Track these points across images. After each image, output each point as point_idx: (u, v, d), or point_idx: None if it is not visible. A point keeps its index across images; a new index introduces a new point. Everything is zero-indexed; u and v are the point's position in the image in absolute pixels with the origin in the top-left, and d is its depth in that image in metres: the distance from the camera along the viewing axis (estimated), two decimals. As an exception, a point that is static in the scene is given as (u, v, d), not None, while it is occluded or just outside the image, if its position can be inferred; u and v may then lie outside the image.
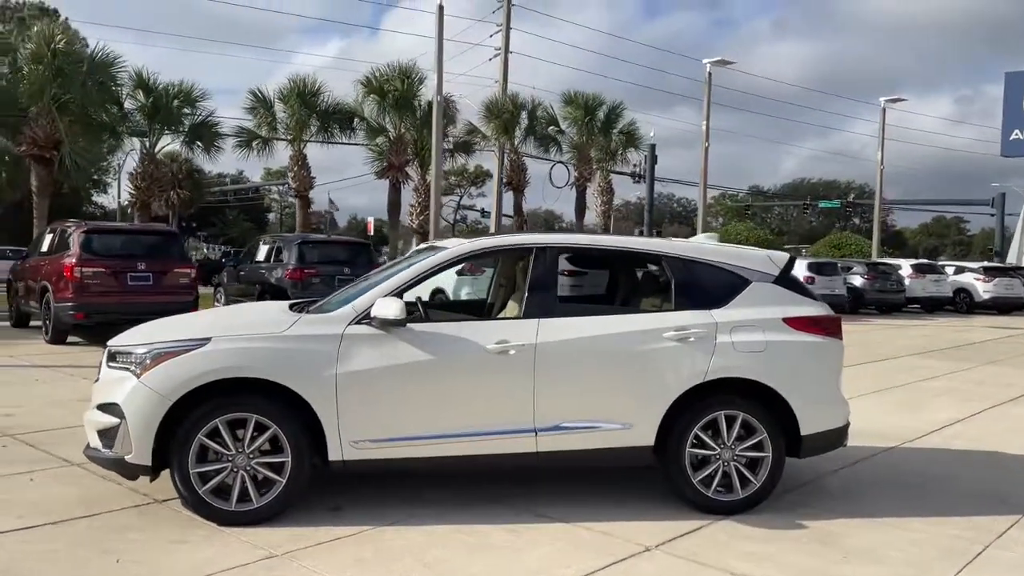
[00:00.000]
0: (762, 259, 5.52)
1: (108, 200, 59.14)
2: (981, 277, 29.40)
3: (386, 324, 4.80)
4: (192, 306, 13.09)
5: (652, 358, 5.07)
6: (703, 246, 5.57)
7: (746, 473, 5.16)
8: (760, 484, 5.16)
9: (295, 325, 4.86)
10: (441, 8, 20.47)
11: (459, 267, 14.51)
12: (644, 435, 5.05)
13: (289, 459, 4.73)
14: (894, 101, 34.52)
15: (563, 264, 5.95)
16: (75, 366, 10.17)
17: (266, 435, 4.73)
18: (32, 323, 14.75)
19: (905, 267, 28.58)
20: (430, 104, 22.60)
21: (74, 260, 12.27)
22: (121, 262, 12.62)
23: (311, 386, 4.72)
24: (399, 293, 5.01)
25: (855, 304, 25.92)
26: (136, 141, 23.78)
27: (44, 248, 13.82)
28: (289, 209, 27.38)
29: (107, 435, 4.78)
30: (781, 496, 5.42)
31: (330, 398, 4.73)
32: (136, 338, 5.01)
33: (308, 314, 5.08)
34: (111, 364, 4.94)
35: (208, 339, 4.73)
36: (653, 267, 5.77)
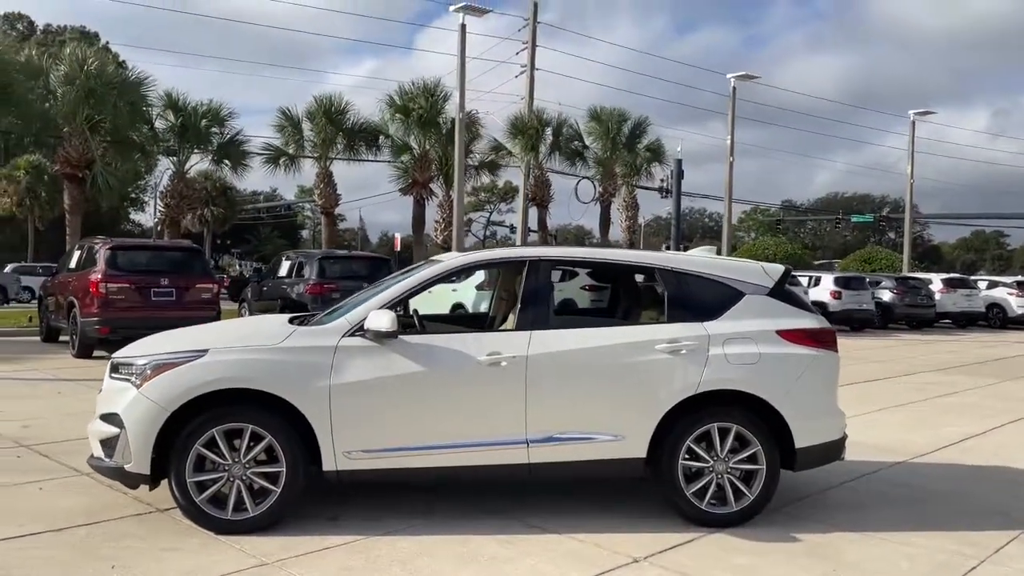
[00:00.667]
0: (756, 271, 5.52)
1: (145, 218, 60.41)
2: (1015, 292, 28.84)
3: (379, 336, 4.89)
4: (215, 320, 13.32)
5: (644, 370, 5.09)
6: (696, 258, 5.59)
7: (740, 486, 5.15)
8: (754, 497, 5.14)
9: (291, 337, 4.96)
10: (463, 27, 20.70)
11: (479, 283, 14.77)
12: (636, 447, 5.06)
13: (284, 469, 4.82)
14: (924, 114, 34.11)
15: (557, 277, 5.99)
16: (98, 379, 10.32)
17: (261, 445, 4.82)
18: (61, 338, 15.11)
19: (936, 281, 28.14)
20: (454, 121, 22.82)
21: (100, 276, 12.58)
22: (145, 278, 12.91)
23: (305, 397, 4.81)
24: (393, 305, 5.10)
25: (884, 319, 25.56)
26: (171, 161, 24.30)
27: (72, 264, 14.18)
28: (322, 227, 27.87)
29: (108, 444, 4.91)
30: (779, 509, 5.39)
31: (324, 409, 4.81)
32: (138, 350, 5.15)
33: (305, 326, 5.18)
34: (113, 375, 5.08)
35: (205, 351, 4.85)
36: (646, 279, 5.80)
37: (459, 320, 7.44)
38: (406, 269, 6.06)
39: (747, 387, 5.15)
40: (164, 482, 4.87)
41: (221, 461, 4.80)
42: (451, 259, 5.43)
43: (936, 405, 10.54)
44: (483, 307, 15.56)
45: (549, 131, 29.22)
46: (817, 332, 5.39)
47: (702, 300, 5.33)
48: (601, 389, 5.07)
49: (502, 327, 6.09)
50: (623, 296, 6.17)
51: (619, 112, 29.58)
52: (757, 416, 5.17)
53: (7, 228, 51.09)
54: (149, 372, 4.82)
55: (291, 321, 5.50)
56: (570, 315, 6.21)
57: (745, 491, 5.15)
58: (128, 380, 4.91)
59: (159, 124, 22.99)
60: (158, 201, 25.38)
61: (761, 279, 5.47)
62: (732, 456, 5.15)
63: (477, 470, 5.01)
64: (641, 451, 5.07)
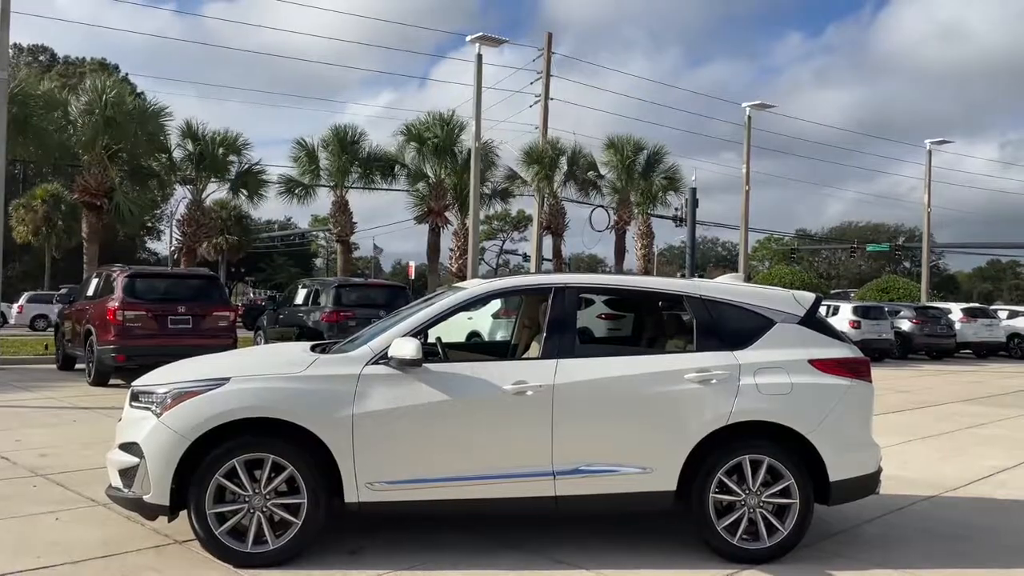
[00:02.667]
0: (787, 299, 5.41)
1: (161, 247, 60.78)
2: (1036, 321, 28.46)
3: (403, 364, 4.80)
4: (232, 348, 13.26)
5: (673, 400, 4.97)
6: (726, 286, 5.48)
7: (773, 520, 5.00)
8: (788, 532, 4.98)
9: (313, 365, 4.88)
10: (479, 57, 20.82)
11: (495, 311, 14.67)
12: (665, 480, 4.93)
13: (305, 500, 4.71)
14: (940, 143, 34.01)
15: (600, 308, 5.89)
16: (114, 408, 10.34)
17: (283, 476, 4.72)
18: (77, 366, 15.09)
19: (956, 311, 27.84)
20: (469, 150, 22.90)
21: (117, 303, 12.56)
22: (162, 305, 12.88)
23: (327, 426, 4.72)
24: (416, 333, 5.01)
25: (903, 349, 25.26)
26: (187, 189, 24.50)
27: (90, 292, 14.19)
28: (335, 255, 27.90)
29: (127, 475, 4.81)
30: (811, 545, 5.22)
31: (346, 439, 4.71)
32: (158, 378, 5.07)
33: (327, 354, 5.10)
34: (133, 404, 5.00)
35: (227, 379, 4.77)
36: (675, 308, 5.70)
37: (480, 348, 7.34)
38: (427, 296, 5.99)
39: (779, 418, 5.02)
40: (183, 513, 4.77)
41: (241, 492, 4.70)
42: (475, 286, 5.35)
43: (964, 437, 10.32)
44: (499, 336, 15.50)
45: (564, 160, 29.28)
46: (851, 362, 5.26)
47: (732, 328, 5.22)
48: (629, 420, 4.95)
49: (525, 355, 5.99)
50: (649, 324, 6.06)
51: (635, 141, 29.64)
52: (790, 448, 5.04)
53: (25, 256, 51.58)
54: (170, 401, 4.74)
55: (313, 348, 5.42)
56: (595, 344, 6.08)
57: (778, 526, 4.99)
58: (148, 408, 4.83)
59: (177, 153, 23.21)
60: (174, 229, 25.50)
61: (792, 307, 5.36)
62: (764, 490, 5.01)
63: (502, 503, 4.89)
64: (671, 484, 4.94)
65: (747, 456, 4.99)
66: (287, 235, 71.47)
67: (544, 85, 30.76)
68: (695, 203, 31.85)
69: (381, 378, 4.83)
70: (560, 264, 30.94)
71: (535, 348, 5.74)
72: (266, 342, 16.75)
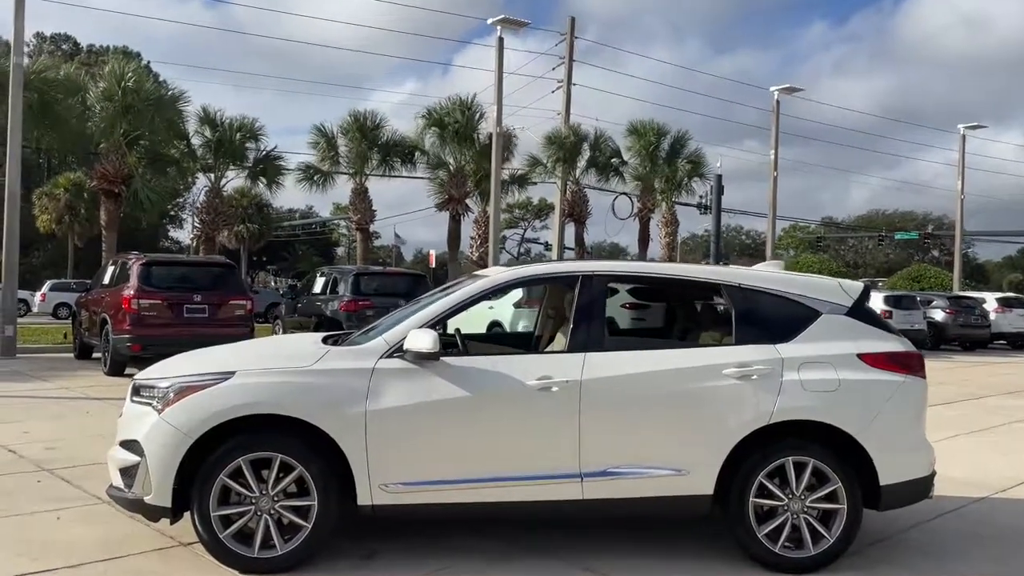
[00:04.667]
0: (833, 289, 5.02)
1: (183, 235, 61.05)
2: (1074, 312, 27.65)
3: (419, 358, 4.47)
4: (247, 338, 13.03)
5: (711, 397, 4.61)
6: (767, 274, 5.09)
7: (818, 527, 4.63)
8: (834, 539, 4.61)
9: (324, 359, 4.56)
10: (501, 40, 20.42)
11: (516, 300, 14.30)
12: (702, 483, 4.58)
13: (315, 503, 4.41)
14: (974, 128, 33.15)
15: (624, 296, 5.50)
16: (128, 398, 10.12)
17: (291, 476, 4.42)
18: (94, 355, 14.94)
19: (990, 301, 27.11)
20: (490, 136, 22.51)
21: (132, 292, 12.35)
22: (178, 294, 12.67)
23: (339, 424, 4.41)
24: (434, 324, 4.68)
25: (937, 340, 24.62)
26: (206, 176, 24.31)
27: (106, 280, 14.02)
28: (356, 243, 27.65)
29: (128, 474, 4.53)
30: (857, 552, 4.85)
31: (359, 437, 4.40)
32: (160, 372, 4.78)
33: (339, 347, 4.78)
34: (135, 399, 4.71)
35: (232, 373, 4.46)
36: (712, 297, 5.32)
37: (501, 340, 6.99)
38: (447, 285, 5.65)
39: (826, 417, 4.64)
40: (188, 514, 4.48)
41: (248, 493, 4.40)
42: (497, 274, 5.00)
43: (1012, 432, 9.85)
44: (521, 326, 15.15)
45: (586, 146, 28.79)
46: (903, 356, 4.86)
47: (774, 320, 4.84)
48: (663, 418, 4.60)
49: (550, 348, 5.65)
50: (683, 315, 5.68)
51: (658, 126, 29.08)
52: (837, 449, 4.66)
53: (49, 245, 51.86)
54: (172, 396, 4.45)
55: (325, 340, 5.11)
56: (626, 336, 5.71)
57: (824, 533, 4.63)
58: (149, 404, 4.54)
59: (195, 140, 23.01)
60: (194, 218, 25.37)
61: (839, 297, 4.96)
62: (809, 494, 4.64)
63: (525, 506, 4.55)
64: (708, 487, 4.58)
65: (790, 458, 4.62)
66: (308, 224, 71.49)
67: (567, 70, 30.30)
68: (720, 190, 31.29)
69: (396, 372, 4.50)
70: (583, 252, 30.52)
71: (560, 340, 5.39)
72: (284, 332, 16.54)
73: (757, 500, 4.60)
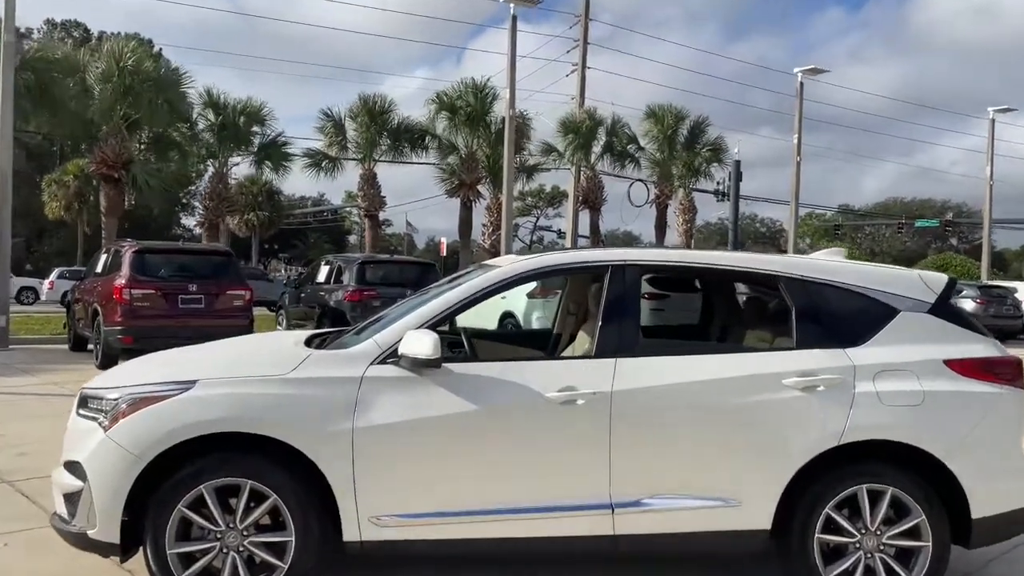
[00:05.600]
0: (912, 282, 4.21)
1: (195, 222, 60.48)
2: (1109, 301, 26.60)
3: (417, 364, 3.70)
4: (247, 331, 12.35)
5: (768, 413, 3.83)
6: (834, 264, 4.29)
7: (896, 568, 3.86)
8: (916, 583, 3.84)
9: (303, 365, 3.80)
10: (514, 19, 19.56)
11: (530, 290, 13.48)
12: (757, 515, 3.81)
13: (293, 538, 3.68)
14: (1004, 112, 31.96)
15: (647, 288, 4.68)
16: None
17: (264, 507, 3.69)
18: (90, 347, 14.27)
19: (1021, 290, 26.11)
20: (503, 120, 21.69)
21: (123, 281, 11.66)
22: (173, 284, 11.97)
23: (321, 444, 3.66)
24: (436, 324, 3.91)
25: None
26: (211, 162, 23.59)
27: (99, 269, 13.35)
28: (365, 231, 27.02)
29: (71, 501, 3.81)
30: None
31: (345, 460, 3.66)
32: (111, 380, 4.04)
33: (323, 350, 4.03)
34: (81, 411, 3.98)
35: (194, 382, 3.72)
36: (767, 291, 4.52)
37: (514, 339, 6.20)
38: (453, 276, 4.88)
39: (908, 436, 3.86)
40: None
41: (212, 527, 3.67)
42: (510, 265, 4.21)
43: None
44: (535, 318, 14.33)
45: (602, 131, 27.90)
46: (999, 363, 4.06)
47: (844, 319, 4.04)
48: (711, 438, 3.82)
49: (571, 351, 4.87)
50: (733, 313, 4.89)
51: (677, 110, 28.12)
52: (920, 475, 3.88)
53: (61, 232, 51.43)
54: (123, 408, 3.71)
55: (309, 342, 4.35)
56: (664, 338, 4.91)
57: (903, 574, 3.84)
58: (95, 419, 3.80)
59: (198, 123, 22.25)
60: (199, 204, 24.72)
61: (919, 291, 4.16)
62: (886, 528, 3.87)
63: (544, 543, 3.80)
64: (764, 521, 3.81)
65: (864, 485, 3.86)
66: (319, 211, 70.90)
67: (581, 53, 29.40)
68: (739, 176, 30.38)
69: (389, 382, 3.75)
70: (597, 240, 29.67)
71: (583, 341, 4.63)
72: (287, 322, 15.83)
73: (823, 536, 3.84)
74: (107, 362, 12.03)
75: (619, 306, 4.01)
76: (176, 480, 3.64)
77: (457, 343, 4.65)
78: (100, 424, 3.74)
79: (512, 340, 5.85)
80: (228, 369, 3.88)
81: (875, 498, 3.85)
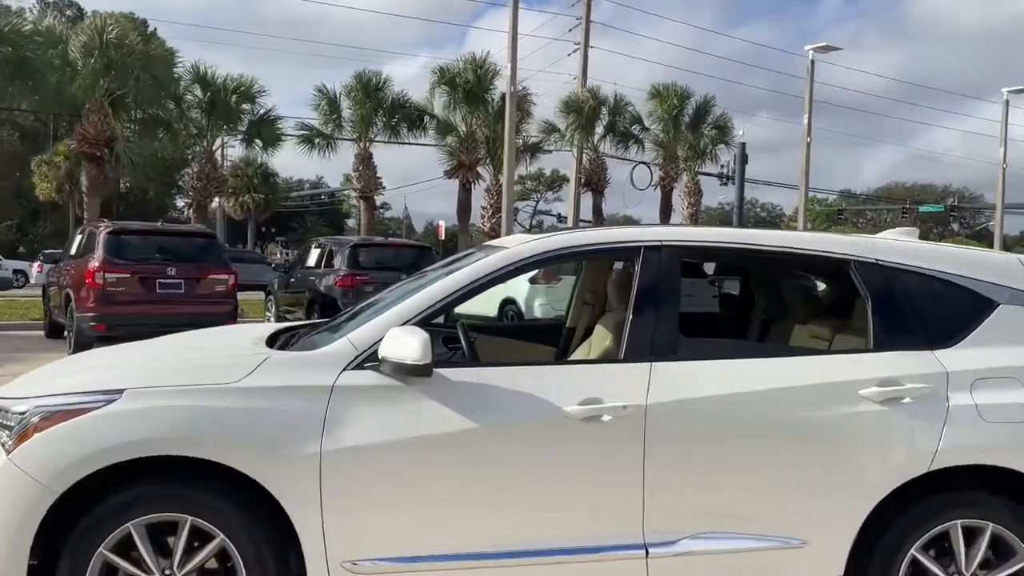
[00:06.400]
0: (1012, 267, 3.44)
1: (184, 203, 59.49)
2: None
3: (402, 371, 2.93)
4: (230, 317, 11.60)
5: (841, 431, 3.08)
6: (915, 246, 3.52)
7: (997, 622, 3.11)
8: (1021, 642, 3.09)
9: (259, 370, 3.03)
10: (516, -13, 18.63)
11: (532, 274, 12.67)
12: (827, 558, 3.07)
13: (245, 587, 2.92)
14: (1018, 92, 31.02)
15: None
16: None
17: (209, 549, 2.94)
18: (66, 333, 13.51)
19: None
20: (503, 98, 20.81)
21: (96, 264, 10.86)
22: (149, 267, 11.17)
23: (280, 471, 2.91)
24: (426, 319, 3.14)
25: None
26: (201, 141, 22.70)
27: (73, 251, 12.56)
28: (360, 213, 26.19)
29: (-29, 538, 3.03)
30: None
31: (311, 491, 2.90)
32: (22, 388, 3.26)
33: (286, 352, 3.26)
34: (-16, 427, 3.20)
35: (121, 391, 2.94)
36: (835, 279, 3.74)
37: (519, 333, 5.37)
38: (450, 260, 4.10)
39: (1013, 461, 3.11)
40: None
41: (142, 574, 2.91)
42: (519, 246, 3.40)
43: None
44: (538, 306, 13.51)
45: (605, 110, 27.00)
46: (1125, 369, 3.28)
47: (931, 314, 3.28)
48: (770, 462, 3.07)
49: (583, 347, 4.09)
50: (792, 305, 4.09)
51: (682, 89, 27.21)
52: (1028, 509, 3.12)
53: (55, 215, 50.49)
54: (34, 424, 2.93)
55: (272, 340, 3.58)
56: (707, 337, 4.10)
57: (1004, 631, 3.11)
58: (-2, 437, 3.03)
59: (187, 100, 21.33)
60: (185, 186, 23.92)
61: (1020, 279, 3.38)
62: (984, 573, 3.12)
63: (563, 593, 3.04)
64: (836, 565, 3.08)
65: (959, 521, 3.12)
66: (316, 194, 70.01)
67: (584, 31, 28.40)
68: (744, 159, 29.51)
69: (367, 393, 2.99)
70: (600, 223, 28.84)
71: (602, 337, 3.85)
72: (276, 309, 15.04)
73: (909, 584, 3.09)
74: (80, 351, 11.27)
75: (654, 296, 3.24)
76: (97, 516, 2.89)
77: (453, 338, 3.89)
78: (3, 445, 2.97)
79: (517, 334, 5.03)
80: (165, 375, 3.11)
81: (972, 536, 3.12)
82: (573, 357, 4.28)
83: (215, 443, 2.90)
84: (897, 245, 3.47)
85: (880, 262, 3.34)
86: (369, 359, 3.02)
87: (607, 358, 3.50)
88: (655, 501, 3.01)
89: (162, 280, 11.18)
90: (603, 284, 4.40)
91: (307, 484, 2.91)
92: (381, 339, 2.99)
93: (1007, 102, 31.11)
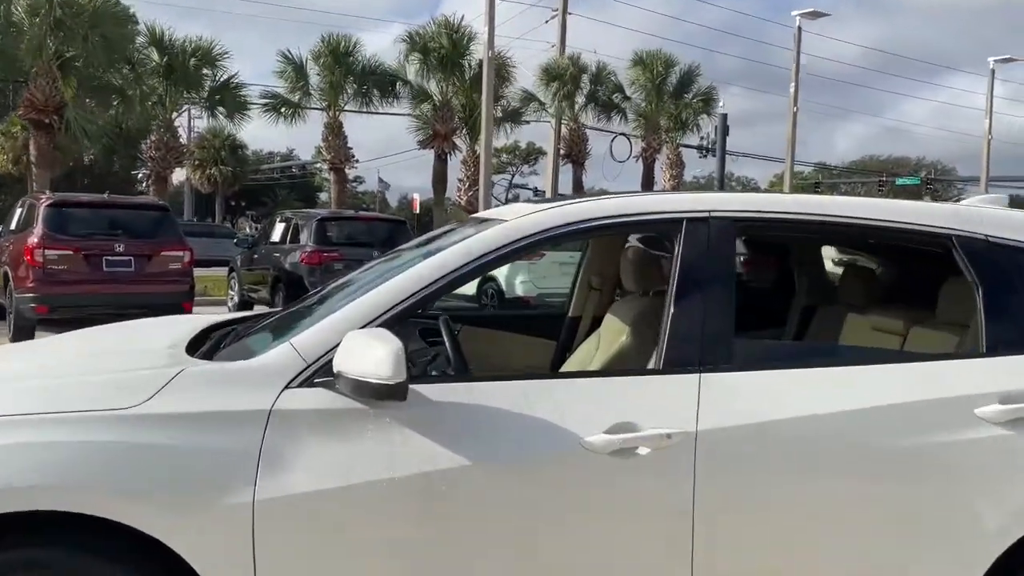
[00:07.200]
0: None
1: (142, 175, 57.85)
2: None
3: (364, 391, 2.12)
4: (186, 298, 10.68)
5: (953, 462, 2.31)
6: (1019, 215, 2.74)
7: None
8: None
9: (167, 390, 2.20)
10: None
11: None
12: (933, 631, 2.31)
13: None
14: (1005, 61, 30.59)
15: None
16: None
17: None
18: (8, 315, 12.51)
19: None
20: (480, 64, 19.83)
21: (36, 240, 9.88)
22: (95, 243, 10.20)
23: (197, 530, 2.11)
24: (398, 318, 2.32)
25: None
26: (158, 109, 21.46)
27: (13, 226, 11.54)
28: (331, 185, 25.07)
29: None
30: None
31: (240, 555, 2.11)
32: None
33: (208, 363, 2.43)
34: None
35: (-25, 421, 2.11)
36: (932, 260, 2.96)
37: (511, 324, 4.51)
38: (430, 236, 3.27)
39: None
40: None
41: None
42: (520, 218, 2.57)
43: None
44: (519, 284, 12.71)
45: (586, 78, 26.07)
46: None
47: (1063, 308, 2.50)
48: (861, 504, 2.30)
49: (592, 341, 3.30)
50: (882, 295, 3.30)
51: (667, 56, 26.32)
52: None
53: (17, 187, 48.72)
54: None
55: (197, 343, 2.74)
56: (775, 338, 3.29)
57: None
58: None
59: (144, 65, 20.09)
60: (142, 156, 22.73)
61: None
62: None
63: None
64: (945, 639, 2.31)
65: (1103, 579, 2.36)
66: (286, 166, 68.45)
67: (563, -2, 27.41)
68: (726, 130, 28.82)
69: (317, 419, 2.18)
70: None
71: (614, 330, 3.06)
72: (240, 287, 14.10)
73: (1036, 662, 2.35)
74: (21, 336, 10.29)
75: (700, 284, 2.44)
76: (-62, 595, 2.07)
77: (431, 329, 3.09)
78: None
79: (508, 324, 4.19)
80: (38, 397, 2.26)
81: (1119, 598, 2.38)
82: (579, 352, 3.52)
83: (105, 493, 2.08)
84: (1008, 215, 2.69)
85: (990, 238, 2.56)
86: (320, 372, 2.21)
87: (624, 357, 2.71)
88: (708, 559, 2.25)
89: (109, 257, 10.20)
90: (613, 265, 3.61)
91: (234, 545, 2.11)
92: (335, 346, 2.18)
93: (992, 72, 30.68)
